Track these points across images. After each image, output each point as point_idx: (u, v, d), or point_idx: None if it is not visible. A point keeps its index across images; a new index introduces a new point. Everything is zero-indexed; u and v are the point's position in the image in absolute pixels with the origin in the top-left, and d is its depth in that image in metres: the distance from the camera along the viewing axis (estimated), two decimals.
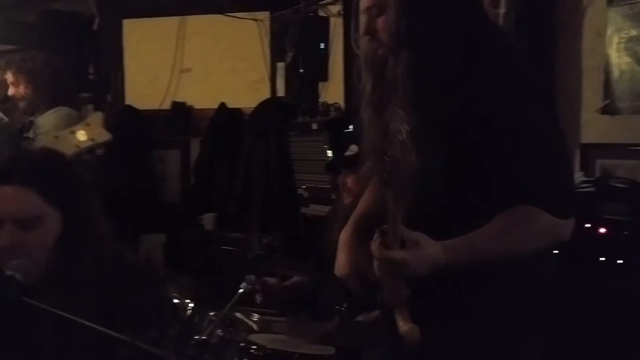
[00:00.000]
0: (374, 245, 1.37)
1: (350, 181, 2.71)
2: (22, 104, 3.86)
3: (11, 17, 5.74)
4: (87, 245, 1.43)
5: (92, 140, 1.99)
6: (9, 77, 3.85)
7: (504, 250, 1.36)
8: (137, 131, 4.51)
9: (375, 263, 1.38)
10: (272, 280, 2.96)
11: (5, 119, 2.54)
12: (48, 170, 1.43)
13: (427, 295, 1.37)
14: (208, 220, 4.14)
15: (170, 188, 4.58)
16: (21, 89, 3.77)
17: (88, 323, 1.24)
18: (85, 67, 4.90)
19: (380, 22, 1.44)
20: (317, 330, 2.61)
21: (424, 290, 1.36)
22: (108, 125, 4.26)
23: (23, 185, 1.38)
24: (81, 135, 1.99)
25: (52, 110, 3.01)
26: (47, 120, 2.90)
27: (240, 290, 2.72)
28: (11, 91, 3.88)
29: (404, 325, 1.35)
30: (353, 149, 2.80)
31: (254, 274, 2.77)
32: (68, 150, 1.98)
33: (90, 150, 2.00)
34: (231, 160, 4.19)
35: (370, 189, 1.70)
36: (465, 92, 1.37)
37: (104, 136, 2.00)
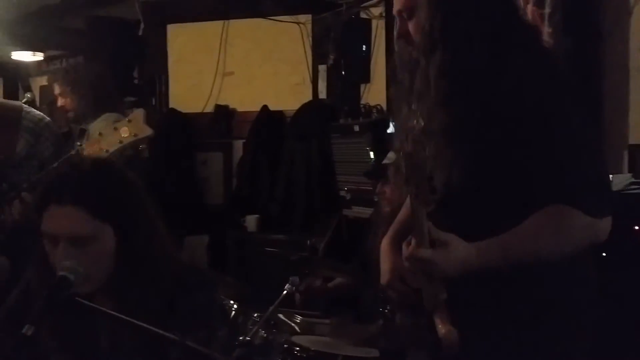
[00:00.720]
0: (404, 246, 1.37)
1: (388, 190, 2.70)
2: (70, 114, 3.99)
3: (58, 24, 5.91)
4: (143, 255, 1.45)
5: (135, 135, 1.99)
6: (57, 89, 3.98)
7: (538, 251, 1.34)
8: (180, 134, 4.60)
9: (406, 264, 1.39)
10: (315, 281, 2.97)
11: (48, 119, 2.60)
12: (98, 188, 1.42)
13: (466, 298, 1.36)
14: (251, 222, 4.18)
15: (213, 190, 4.64)
16: (68, 100, 3.91)
17: (141, 324, 1.27)
18: (131, 72, 5.01)
19: (411, 25, 1.44)
20: (361, 332, 2.61)
21: (463, 293, 1.35)
22: (150, 124, 4.37)
23: (75, 205, 1.38)
24: (124, 132, 2.00)
25: (102, 117, 3.10)
26: (98, 127, 2.97)
27: (284, 292, 2.74)
28: (60, 102, 4.02)
29: (442, 328, 1.34)
30: (391, 157, 2.80)
31: (297, 275, 2.79)
32: (111, 145, 2.00)
33: (132, 145, 2.04)
34: (273, 163, 4.23)
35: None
36: (497, 90, 1.36)
37: (146, 131, 2.00)
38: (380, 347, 2.43)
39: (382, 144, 3.45)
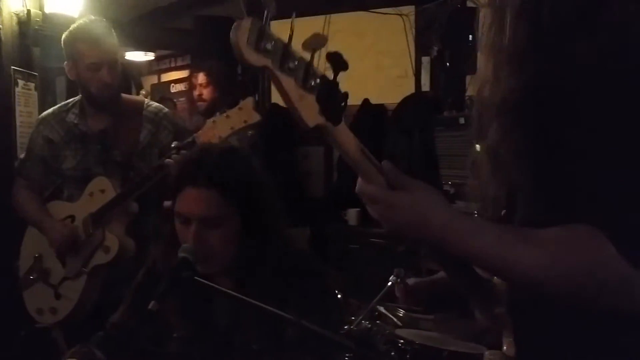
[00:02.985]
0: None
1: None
2: (202, 105, 4.26)
3: (166, 24, 6.17)
4: (264, 237, 1.51)
5: (245, 122, 2.09)
6: (201, 78, 4.29)
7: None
8: (282, 129, 4.67)
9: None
10: (412, 280, 2.94)
11: (167, 109, 2.74)
12: (229, 173, 1.51)
13: (526, 311, 1.09)
14: (352, 215, 4.18)
15: (314, 184, 4.68)
16: (208, 91, 4.21)
17: (259, 303, 1.30)
18: (234, 69, 5.16)
19: None
20: (468, 327, 2.55)
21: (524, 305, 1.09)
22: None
23: (208, 188, 1.47)
24: (235, 118, 2.11)
25: None
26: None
27: (389, 283, 2.72)
28: (197, 92, 4.30)
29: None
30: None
31: (402, 267, 2.76)
32: (224, 132, 2.12)
33: (242, 130, 2.13)
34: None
35: None
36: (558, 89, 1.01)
37: (255, 117, 2.10)
38: (488, 343, 2.37)
39: None
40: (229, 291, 1.39)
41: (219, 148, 1.61)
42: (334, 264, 3.80)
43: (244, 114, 2.10)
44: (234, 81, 3.88)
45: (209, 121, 2.18)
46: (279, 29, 0.87)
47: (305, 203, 4.54)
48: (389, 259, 2.84)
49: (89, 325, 1.61)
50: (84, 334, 1.59)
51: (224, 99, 3.52)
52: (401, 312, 2.85)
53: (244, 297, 1.32)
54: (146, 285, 1.60)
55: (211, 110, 3.52)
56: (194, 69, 5.01)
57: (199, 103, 4.25)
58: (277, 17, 0.94)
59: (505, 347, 1.15)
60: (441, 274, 3.00)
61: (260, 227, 1.51)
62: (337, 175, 4.53)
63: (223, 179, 1.48)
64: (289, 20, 0.93)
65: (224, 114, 2.13)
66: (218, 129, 2.13)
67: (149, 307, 1.26)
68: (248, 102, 2.12)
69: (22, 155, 2.92)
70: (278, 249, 1.54)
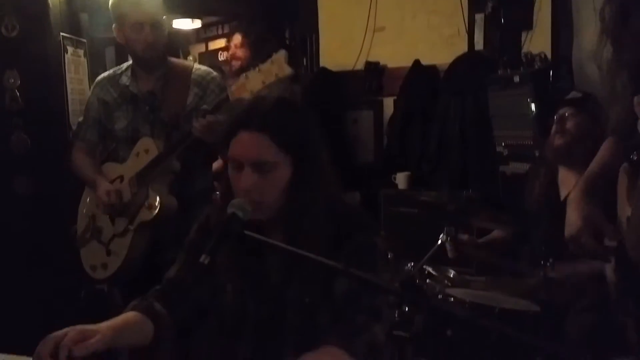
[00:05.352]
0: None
1: (572, 123, 2.59)
2: (236, 63, 4.33)
3: None
4: (315, 189, 1.50)
5: (276, 75, 2.09)
6: (236, 39, 4.38)
7: None
8: (331, 93, 4.62)
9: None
10: (465, 236, 2.90)
11: (215, 73, 2.78)
12: (282, 118, 1.50)
13: None
14: (401, 179, 4.12)
15: (363, 149, 4.63)
16: (242, 51, 4.29)
17: (308, 254, 1.28)
18: (283, 33, 5.11)
19: None
20: (519, 285, 2.51)
21: None
22: (302, 84, 4.53)
23: (260, 132, 1.46)
24: (267, 73, 2.11)
25: None
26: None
27: (439, 242, 2.69)
28: (232, 52, 4.38)
29: None
30: (575, 94, 2.68)
31: (453, 226, 2.73)
32: (256, 86, 2.14)
33: (274, 85, 2.14)
34: (425, 119, 4.11)
35: (606, 148, 1.60)
36: None
37: (286, 70, 2.09)
38: (541, 301, 2.32)
39: (546, 94, 3.24)
40: (278, 243, 1.39)
41: (274, 96, 1.59)
42: (385, 229, 3.77)
43: (275, 68, 2.10)
44: (271, 43, 3.85)
45: (242, 76, 2.20)
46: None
47: (355, 168, 4.50)
48: (439, 222, 2.80)
49: (144, 286, 1.64)
50: (140, 294, 1.62)
51: (259, 60, 3.51)
52: (452, 273, 2.82)
53: (293, 249, 1.31)
54: (199, 241, 1.62)
55: (243, 68, 3.54)
56: (232, 30, 5.04)
57: (233, 62, 4.29)
58: None
59: None
60: (494, 233, 2.95)
61: (312, 177, 1.49)
62: (387, 139, 4.45)
63: (276, 123, 1.48)
64: None
65: (256, 68, 2.14)
66: (250, 84, 2.14)
67: (200, 260, 1.27)
68: (280, 56, 2.11)
69: (79, 119, 3.03)
70: (329, 199, 1.52)
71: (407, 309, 2.34)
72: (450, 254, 2.76)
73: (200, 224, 1.66)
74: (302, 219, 1.48)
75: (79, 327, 1.39)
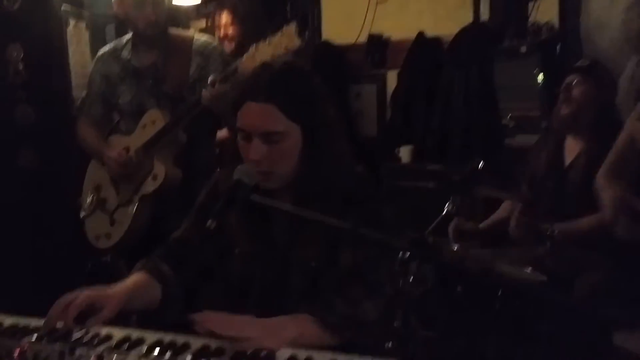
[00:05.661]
0: None
1: (578, 91, 2.58)
2: (230, 44, 4.19)
3: None
4: (326, 158, 1.48)
5: (285, 47, 2.08)
6: (224, 17, 4.21)
7: None
8: (334, 66, 4.57)
9: None
10: (467, 224, 2.91)
11: (216, 42, 2.76)
12: (288, 87, 1.48)
13: None
14: (405, 152, 4.10)
15: (366, 123, 4.60)
16: (233, 29, 4.14)
17: (315, 216, 1.28)
18: (284, 7, 5.05)
19: None
20: (526, 253, 2.52)
21: None
22: (304, 57, 4.43)
23: (268, 102, 1.45)
24: (276, 44, 2.10)
25: None
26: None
27: (445, 210, 2.69)
28: (223, 32, 4.23)
29: None
30: (583, 62, 2.66)
31: (459, 196, 2.72)
32: (265, 58, 2.10)
33: (283, 57, 2.12)
34: (429, 92, 4.08)
35: (632, 124, 1.60)
36: None
37: (296, 43, 2.08)
38: (547, 270, 2.33)
39: (553, 64, 3.21)
40: (286, 205, 1.39)
41: (278, 64, 1.56)
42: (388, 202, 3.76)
43: (284, 40, 2.08)
44: (262, 18, 3.75)
45: (252, 47, 2.18)
46: None
47: (358, 142, 4.47)
48: (443, 195, 2.80)
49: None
50: None
51: (252, 37, 3.44)
52: (456, 247, 2.82)
53: (300, 211, 1.31)
54: (207, 204, 1.62)
55: (241, 50, 3.47)
56: (216, 8, 4.75)
57: (226, 43, 4.11)
58: None
59: None
60: (490, 220, 2.95)
61: (322, 145, 1.48)
62: (391, 112, 4.43)
63: (283, 93, 1.46)
64: None
65: (266, 40, 2.13)
66: (259, 55, 2.13)
67: (207, 225, 1.30)
68: (290, 28, 2.09)
69: (83, 93, 3.02)
70: (339, 167, 1.51)
71: (416, 268, 2.34)
72: (452, 241, 2.78)
73: (210, 189, 1.66)
74: (311, 188, 1.47)
75: (90, 291, 1.39)
